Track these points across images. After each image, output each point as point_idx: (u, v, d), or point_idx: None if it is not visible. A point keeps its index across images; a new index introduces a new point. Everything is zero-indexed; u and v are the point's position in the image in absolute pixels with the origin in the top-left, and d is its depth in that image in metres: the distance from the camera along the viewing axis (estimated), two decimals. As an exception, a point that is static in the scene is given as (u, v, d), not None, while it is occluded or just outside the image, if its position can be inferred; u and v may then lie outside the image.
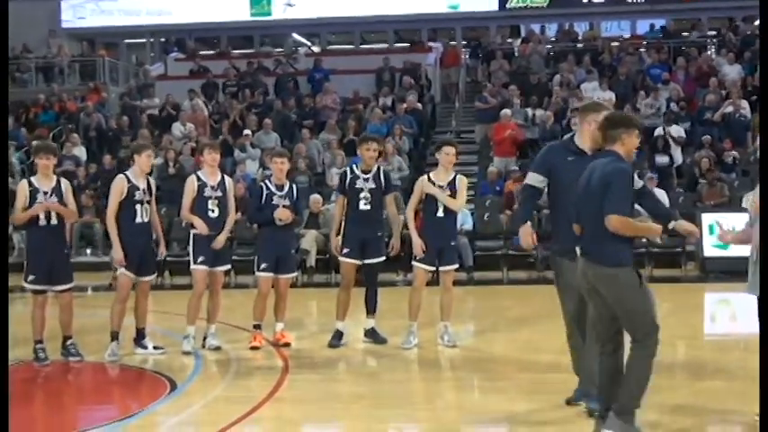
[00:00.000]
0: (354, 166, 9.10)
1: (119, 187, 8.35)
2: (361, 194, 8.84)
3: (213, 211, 8.62)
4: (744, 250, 5.91)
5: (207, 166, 8.79)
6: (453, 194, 8.61)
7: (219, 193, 8.68)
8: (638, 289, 5.20)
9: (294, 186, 9.11)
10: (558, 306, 6.27)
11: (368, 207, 8.84)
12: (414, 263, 8.72)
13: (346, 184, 8.93)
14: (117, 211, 8.33)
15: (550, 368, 7.47)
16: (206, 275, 8.68)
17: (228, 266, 9.22)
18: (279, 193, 8.85)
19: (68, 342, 8.48)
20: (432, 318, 8.99)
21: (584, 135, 6.14)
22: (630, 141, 5.42)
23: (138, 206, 8.35)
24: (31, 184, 8.27)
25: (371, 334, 9.05)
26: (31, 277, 8.19)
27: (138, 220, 8.37)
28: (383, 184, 8.94)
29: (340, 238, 8.99)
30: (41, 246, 8.23)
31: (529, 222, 6.25)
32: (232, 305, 10.47)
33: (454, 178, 8.69)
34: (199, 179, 8.69)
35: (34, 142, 13.79)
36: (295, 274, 9.87)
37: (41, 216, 8.16)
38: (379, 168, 9.06)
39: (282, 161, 9.01)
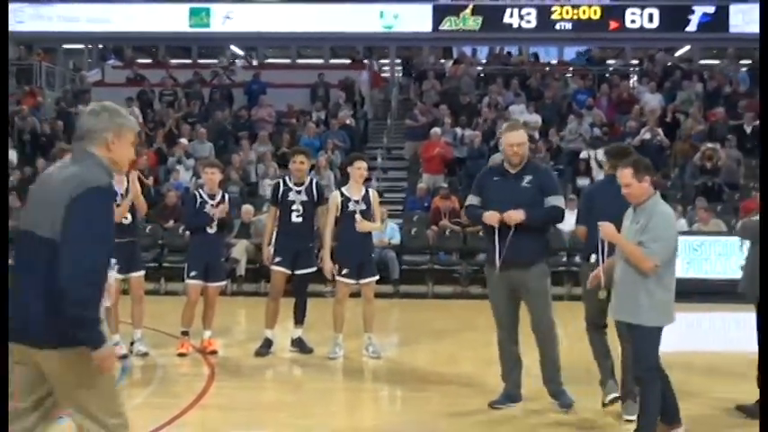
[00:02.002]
0: (287, 178, 9.29)
1: None
2: (294, 206, 9.05)
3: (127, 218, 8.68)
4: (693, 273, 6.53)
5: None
6: (368, 208, 8.90)
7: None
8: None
9: (226, 195, 9.35)
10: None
11: (300, 219, 9.06)
12: (337, 277, 8.96)
13: (279, 195, 9.14)
14: None
15: (471, 379, 7.89)
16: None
17: (142, 272, 9.15)
18: (211, 202, 9.08)
19: None
20: (358, 329, 9.17)
21: (503, 154, 6.85)
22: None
23: None
24: None
25: (298, 343, 9.26)
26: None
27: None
28: (315, 197, 9.13)
29: (271, 248, 9.19)
30: None
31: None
32: (161, 311, 10.57)
33: (367, 192, 9.00)
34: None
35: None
36: (224, 283, 9.97)
37: None
38: (311, 181, 9.26)
39: (213, 171, 9.23)
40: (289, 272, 9.17)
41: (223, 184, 9.67)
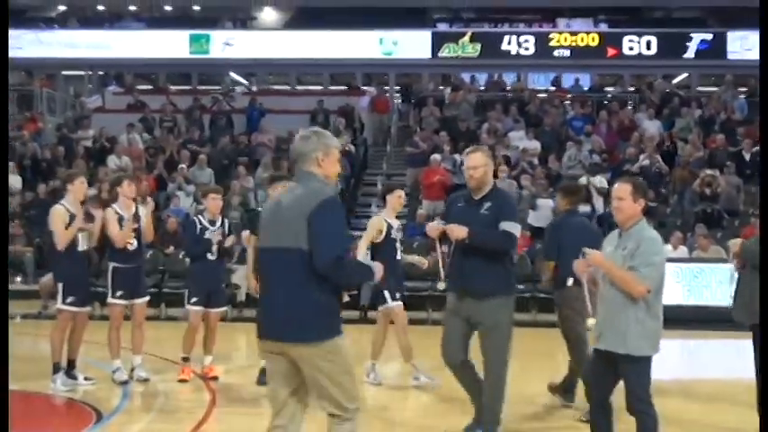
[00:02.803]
0: None
1: (60, 216, 8.44)
2: None
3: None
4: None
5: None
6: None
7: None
8: None
9: (226, 221, 9.38)
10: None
11: None
12: (391, 304, 8.91)
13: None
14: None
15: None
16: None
17: (146, 299, 9.23)
18: (211, 228, 9.09)
19: None
20: (363, 356, 9.08)
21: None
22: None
23: (78, 234, 8.49)
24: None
25: None
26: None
27: (80, 248, 8.54)
28: None
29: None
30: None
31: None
32: (161, 337, 10.59)
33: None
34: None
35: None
36: (225, 309, 9.99)
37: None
38: None
39: (216, 197, 9.26)
40: None
41: (223, 210, 9.67)
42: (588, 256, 5.52)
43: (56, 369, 8.57)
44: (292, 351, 4.52)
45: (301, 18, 29.36)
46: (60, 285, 8.56)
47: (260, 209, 9.41)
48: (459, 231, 6.27)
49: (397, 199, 9.06)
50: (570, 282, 6.31)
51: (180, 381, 8.93)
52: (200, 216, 9.35)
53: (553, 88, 25.20)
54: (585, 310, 5.84)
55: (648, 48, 24.11)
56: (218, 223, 9.21)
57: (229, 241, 9.12)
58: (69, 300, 8.48)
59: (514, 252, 6.99)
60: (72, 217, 8.47)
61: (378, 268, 4.71)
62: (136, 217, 8.76)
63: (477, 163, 6.43)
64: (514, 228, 6.41)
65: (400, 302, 8.98)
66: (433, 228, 6.49)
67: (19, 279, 16.83)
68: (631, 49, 24.18)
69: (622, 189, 5.49)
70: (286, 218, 4.55)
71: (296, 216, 4.48)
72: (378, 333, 9.11)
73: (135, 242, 8.80)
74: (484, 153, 6.58)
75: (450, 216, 6.57)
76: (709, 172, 17.76)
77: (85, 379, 8.76)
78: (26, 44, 25.47)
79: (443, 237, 6.48)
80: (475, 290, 6.35)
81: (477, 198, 6.46)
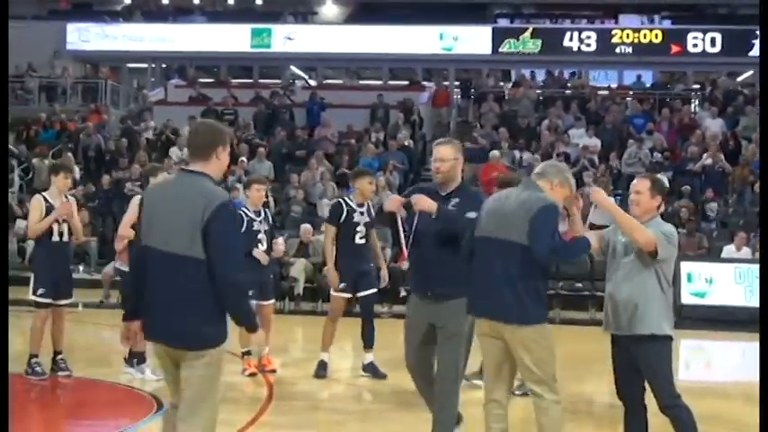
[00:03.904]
0: (348, 199, 9.08)
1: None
2: (358, 228, 8.84)
3: None
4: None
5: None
6: None
7: None
8: None
9: (268, 212, 9.31)
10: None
11: (362, 240, 8.88)
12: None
13: (341, 216, 8.83)
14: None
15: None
16: None
17: None
18: (257, 219, 8.91)
19: (59, 357, 8.59)
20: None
21: None
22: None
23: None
24: (46, 200, 8.48)
25: (370, 368, 9.00)
26: (40, 290, 8.34)
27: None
28: (374, 218, 8.95)
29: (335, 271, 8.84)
30: (52, 260, 8.44)
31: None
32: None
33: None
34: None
35: (45, 161, 14.16)
36: (273, 300, 9.74)
37: (55, 231, 8.42)
38: (368, 202, 9.10)
39: (260, 188, 9.11)
40: (350, 296, 9.04)
41: (280, 203, 9.61)
42: (593, 195, 5.82)
43: (137, 360, 8.55)
44: (505, 332, 5.18)
45: (362, 13, 29.45)
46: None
47: (341, 200, 9.25)
48: (425, 203, 5.86)
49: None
50: None
51: (250, 375, 8.82)
52: (244, 209, 8.99)
53: (615, 86, 24.96)
54: None
55: (713, 45, 23.72)
56: (263, 214, 9.10)
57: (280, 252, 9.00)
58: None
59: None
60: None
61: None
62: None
63: (445, 156, 6.02)
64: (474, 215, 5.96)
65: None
66: (396, 199, 6.21)
67: (81, 268, 17.15)
68: (695, 46, 23.81)
69: (641, 183, 5.58)
70: (515, 215, 5.29)
71: (522, 216, 5.23)
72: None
73: None
74: (454, 146, 6.14)
75: (414, 211, 6.01)
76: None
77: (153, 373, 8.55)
78: (92, 37, 25.92)
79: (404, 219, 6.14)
80: (439, 291, 5.90)
81: (444, 194, 6.01)
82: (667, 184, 5.91)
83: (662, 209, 5.61)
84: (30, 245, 13.53)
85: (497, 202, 5.48)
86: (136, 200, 8.38)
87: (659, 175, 6.02)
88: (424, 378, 6.10)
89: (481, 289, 5.29)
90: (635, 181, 5.67)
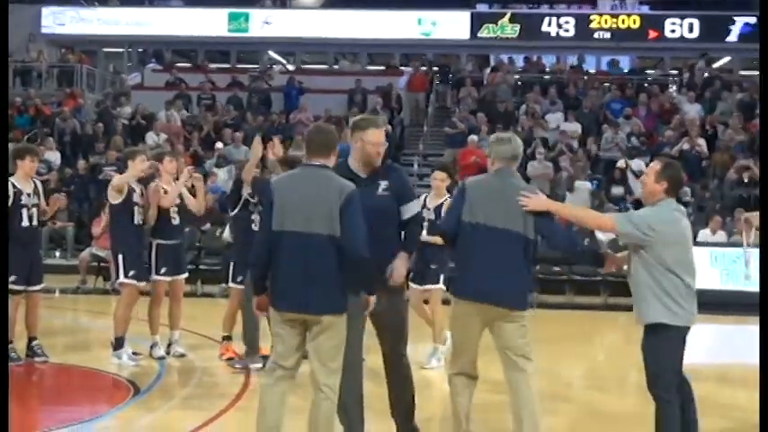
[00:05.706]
0: None
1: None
2: None
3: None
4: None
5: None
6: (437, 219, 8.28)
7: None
8: None
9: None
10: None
11: None
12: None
13: None
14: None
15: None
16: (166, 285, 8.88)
17: (186, 275, 9.30)
18: (253, 200, 8.63)
19: (34, 343, 8.56)
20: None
21: (356, 155, 5.71)
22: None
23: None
24: (14, 185, 8.36)
25: None
26: (12, 277, 8.20)
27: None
28: None
29: None
30: (23, 246, 8.31)
31: None
32: (196, 314, 10.60)
33: (442, 204, 8.50)
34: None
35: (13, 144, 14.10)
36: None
37: (25, 216, 8.34)
38: None
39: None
40: None
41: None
42: (532, 201, 5.42)
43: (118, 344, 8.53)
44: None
45: (340, -3, 29.34)
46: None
47: None
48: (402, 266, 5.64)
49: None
50: None
51: (228, 359, 8.68)
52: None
53: (593, 71, 25.00)
54: None
55: (691, 30, 23.80)
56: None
57: None
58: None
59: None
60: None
61: None
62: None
63: (382, 140, 5.70)
64: (417, 206, 5.91)
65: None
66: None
67: (58, 253, 17.04)
68: (673, 31, 23.89)
69: (651, 166, 5.58)
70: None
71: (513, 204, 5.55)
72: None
73: (177, 218, 8.82)
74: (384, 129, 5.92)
75: None
76: (742, 162, 17.56)
77: (134, 353, 8.62)
78: (67, 20, 25.69)
79: None
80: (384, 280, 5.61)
81: (367, 176, 5.62)
82: (682, 173, 5.72)
83: (670, 194, 5.42)
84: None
85: (486, 188, 5.58)
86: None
87: (672, 161, 5.82)
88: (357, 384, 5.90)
89: (483, 275, 5.37)
90: (652, 163, 5.66)
